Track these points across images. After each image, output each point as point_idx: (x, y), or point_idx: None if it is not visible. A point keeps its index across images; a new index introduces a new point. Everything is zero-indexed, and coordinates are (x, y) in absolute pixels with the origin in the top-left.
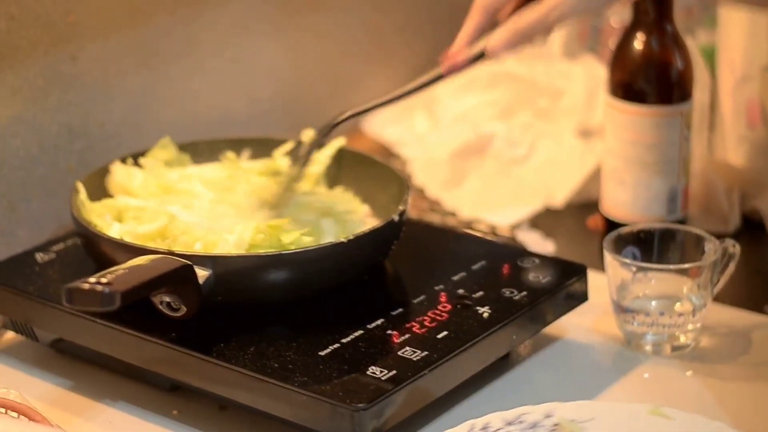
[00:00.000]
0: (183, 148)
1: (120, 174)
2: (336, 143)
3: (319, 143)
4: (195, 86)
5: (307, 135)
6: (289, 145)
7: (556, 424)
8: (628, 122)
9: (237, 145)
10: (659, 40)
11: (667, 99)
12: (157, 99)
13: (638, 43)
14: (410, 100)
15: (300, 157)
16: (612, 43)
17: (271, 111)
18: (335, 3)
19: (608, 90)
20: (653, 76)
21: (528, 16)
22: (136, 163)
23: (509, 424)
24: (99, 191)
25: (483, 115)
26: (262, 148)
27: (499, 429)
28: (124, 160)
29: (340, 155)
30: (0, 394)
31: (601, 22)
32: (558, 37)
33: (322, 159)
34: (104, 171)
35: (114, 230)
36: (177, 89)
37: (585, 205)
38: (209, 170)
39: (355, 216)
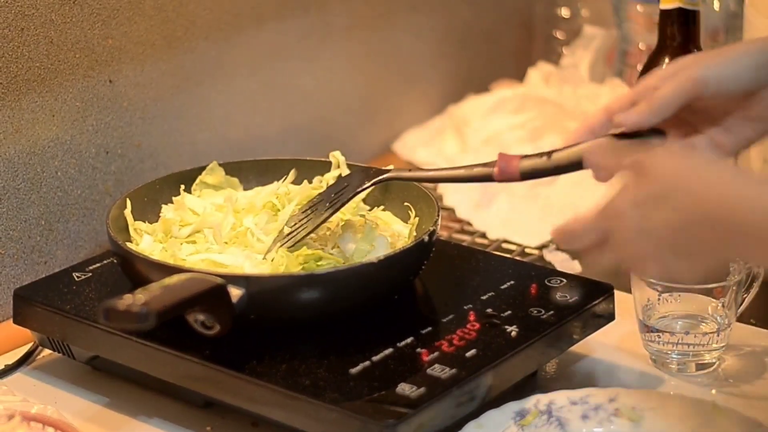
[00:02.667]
0: (231, 168)
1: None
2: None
3: (356, 192)
4: (229, 109)
5: (334, 156)
6: (334, 173)
7: (617, 409)
8: None
9: (282, 166)
10: None
11: None
12: (191, 121)
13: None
14: (440, 121)
15: (335, 200)
16: (639, 66)
17: (303, 134)
18: (367, 28)
19: None
20: None
21: (622, 249)
22: (186, 190)
23: (573, 403)
24: (141, 209)
25: (512, 138)
26: (308, 170)
27: (562, 406)
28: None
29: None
30: (38, 410)
31: (629, 46)
32: (585, 61)
33: (367, 184)
34: (147, 189)
35: (146, 242)
36: (211, 112)
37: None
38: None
39: (388, 235)
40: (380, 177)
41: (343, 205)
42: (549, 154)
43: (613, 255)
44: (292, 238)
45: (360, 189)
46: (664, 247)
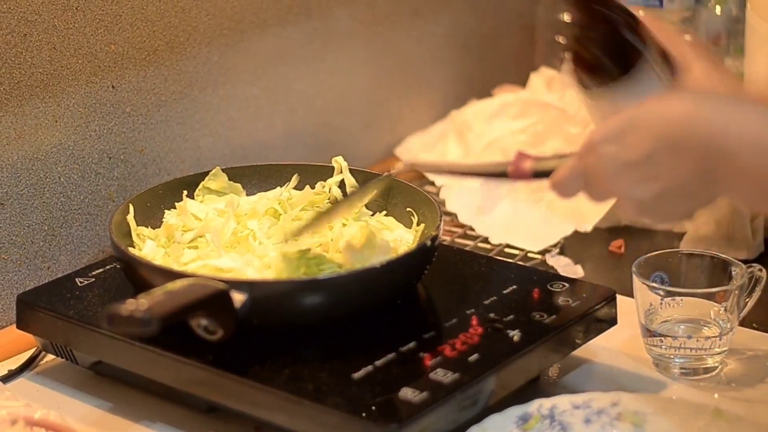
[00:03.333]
0: (233, 173)
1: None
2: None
3: (375, 185)
4: (232, 114)
5: (336, 161)
6: (336, 178)
7: (619, 413)
8: None
9: (284, 171)
10: None
11: None
12: (194, 127)
13: None
14: (442, 126)
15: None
16: None
17: (306, 139)
18: (369, 33)
19: None
20: None
21: (599, 186)
22: (189, 195)
23: (576, 407)
24: (143, 215)
25: (514, 142)
26: (310, 175)
27: (565, 411)
28: (170, 189)
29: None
30: (41, 415)
31: None
32: None
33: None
34: (149, 195)
35: (148, 247)
36: (214, 117)
37: (613, 230)
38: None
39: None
40: (393, 171)
41: (351, 197)
42: (563, 156)
43: (594, 193)
44: (296, 228)
45: (370, 182)
46: (639, 179)
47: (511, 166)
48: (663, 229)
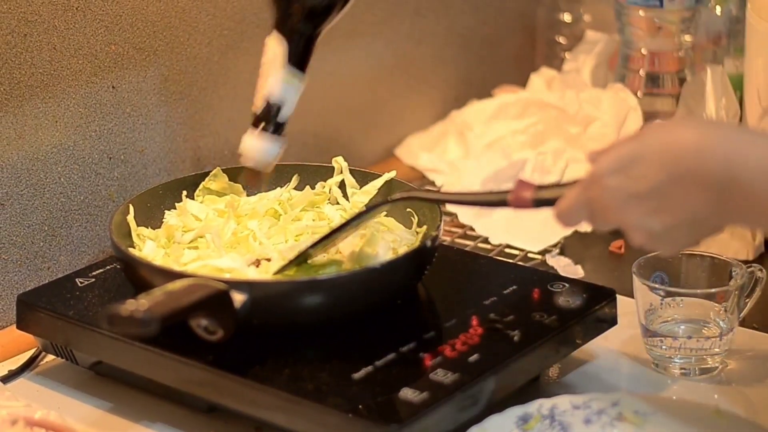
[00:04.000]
0: (233, 174)
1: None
2: (388, 175)
3: (376, 212)
4: (232, 115)
5: (336, 162)
6: (337, 179)
7: (619, 414)
8: None
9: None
10: None
11: None
12: (194, 127)
13: None
14: (442, 126)
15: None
16: (642, 71)
17: (306, 139)
18: (369, 33)
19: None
20: None
21: (604, 217)
22: (189, 196)
23: (576, 407)
24: (144, 215)
25: (514, 143)
26: (310, 175)
27: (565, 411)
28: (170, 190)
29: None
30: (41, 416)
31: (631, 50)
32: (588, 66)
33: (370, 189)
34: (150, 195)
35: (148, 247)
36: (214, 117)
37: (614, 230)
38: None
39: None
40: (395, 197)
41: (352, 219)
42: (564, 185)
43: (600, 224)
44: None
45: (372, 207)
46: (647, 211)
47: (511, 194)
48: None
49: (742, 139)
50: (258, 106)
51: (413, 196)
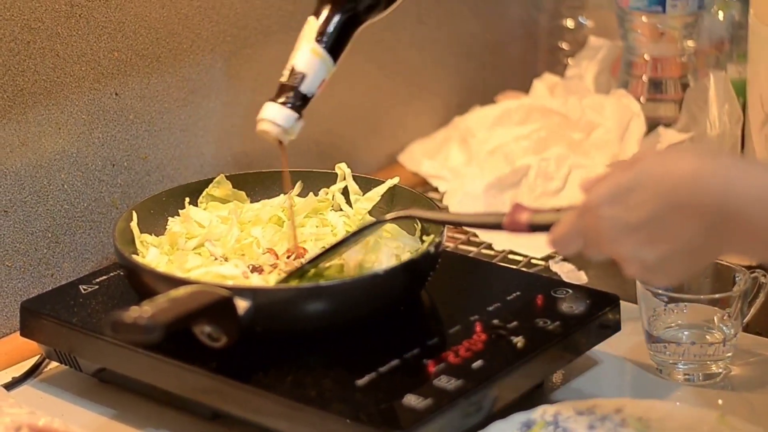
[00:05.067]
0: (237, 180)
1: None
2: (391, 182)
3: (372, 230)
4: (235, 121)
5: (340, 168)
6: (340, 185)
7: (623, 420)
8: None
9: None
10: None
11: None
12: (197, 134)
13: None
14: (445, 133)
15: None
16: (645, 77)
17: (309, 146)
18: (372, 40)
19: None
20: None
21: (599, 247)
22: (193, 202)
23: (580, 414)
24: (147, 222)
25: (517, 149)
26: (314, 182)
27: (569, 417)
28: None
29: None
30: (45, 423)
31: (634, 56)
32: (590, 72)
33: (373, 196)
34: (153, 202)
35: (152, 254)
36: (217, 124)
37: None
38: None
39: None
40: (390, 216)
41: (348, 237)
42: (561, 210)
43: (594, 253)
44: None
45: (367, 226)
46: (642, 241)
47: (507, 217)
48: None
49: (738, 169)
50: (284, 75)
51: (409, 216)
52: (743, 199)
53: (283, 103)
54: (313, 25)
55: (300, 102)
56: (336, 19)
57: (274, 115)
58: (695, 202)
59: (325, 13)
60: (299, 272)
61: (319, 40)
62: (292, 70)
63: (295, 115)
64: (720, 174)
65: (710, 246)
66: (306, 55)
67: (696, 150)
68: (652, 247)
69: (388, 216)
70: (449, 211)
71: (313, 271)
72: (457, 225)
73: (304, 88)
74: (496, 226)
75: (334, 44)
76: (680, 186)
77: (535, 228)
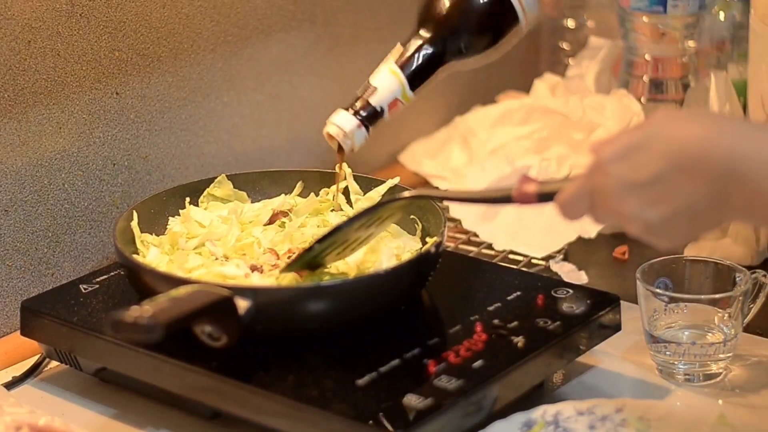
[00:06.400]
0: (237, 180)
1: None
2: (392, 181)
3: (382, 210)
4: (236, 121)
5: (341, 168)
6: (341, 184)
7: (624, 420)
8: None
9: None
10: None
11: None
12: (198, 133)
13: None
14: (446, 132)
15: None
16: (645, 77)
17: (310, 145)
18: (373, 39)
19: None
20: None
21: (605, 206)
22: (193, 202)
23: (580, 414)
24: (148, 221)
25: (518, 149)
26: (315, 181)
27: (569, 417)
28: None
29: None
30: (45, 422)
31: (635, 56)
32: (591, 72)
33: (374, 195)
34: (154, 201)
35: (152, 254)
36: (218, 124)
37: (617, 236)
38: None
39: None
40: (403, 195)
41: (359, 216)
42: (567, 179)
43: (600, 214)
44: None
45: (379, 204)
46: (647, 200)
47: (515, 190)
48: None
49: (748, 134)
50: (360, 88)
51: (420, 195)
52: (749, 164)
53: (354, 113)
54: (397, 48)
55: (367, 114)
56: (419, 49)
57: (340, 119)
58: (701, 163)
59: (412, 41)
60: (309, 253)
61: (398, 63)
62: (367, 83)
63: (359, 123)
64: (729, 138)
65: (714, 209)
66: (382, 72)
67: (706, 114)
68: (656, 207)
69: (401, 195)
70: (450, 207)
71: (317, 270)
72: (467, 201)
73: (374, 100)
74: (506, 200)
75: (414, 73)
76: (687, 148)
77: (543, 197)
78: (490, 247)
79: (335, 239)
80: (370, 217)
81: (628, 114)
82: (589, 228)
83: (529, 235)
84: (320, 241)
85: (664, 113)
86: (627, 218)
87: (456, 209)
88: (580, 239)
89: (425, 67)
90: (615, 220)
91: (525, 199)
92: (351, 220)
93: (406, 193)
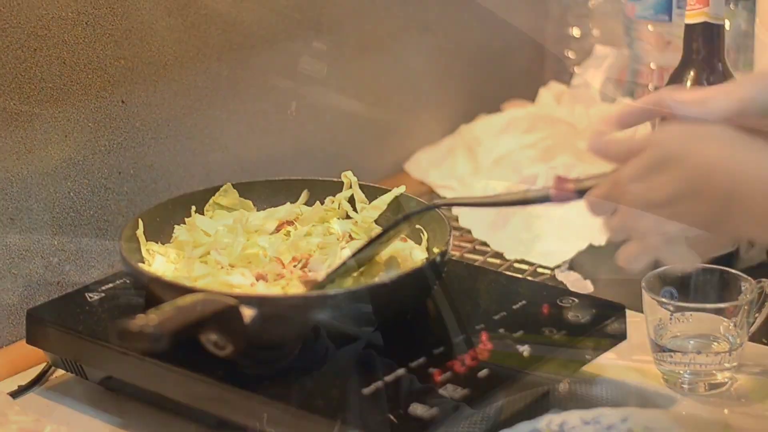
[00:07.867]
0: (243, 188)
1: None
2: (397, 190)
3: (396, 227)
4: (241, 129)
5: (346, 177)
6: (346, 194)
7: (629, 429)
8: None
9: (293, 186)
10: (710, 78)
11: None
12: (203, 141)
13: (690, 81)
14: (452, 141)
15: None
16: (651, 85)
17: (315, 154)
18: (378, 48)
19: None
20: None
21: (624, 218)
22: (199, 211)
23: (586, 423)
24: (153, 230)
25: (524, 157)
26: (320, 190)
27: (574, 427)
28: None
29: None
30: (50, 430)
31: (640, 65)
32: (597, 80)
33: (379, 204)
34: (159, 210)
35: (158, 263)
36: (223, 132)
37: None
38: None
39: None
40: (437, 203)
41: (382, 234)
42: (600, 177)
43: (620, 229)
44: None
45: (413, 212)
46: (662, 217)
47: (553, 189)
48: None
49: (751, 156)
50: None
51: (450, 203)
52: (750, 186)
53: None
54: None
55: None
56: None
57: None
58: (707, 189)
59: None
60: (342, 268)
61: None
62: None
63: None
64: (731, 163)
65: (721, 229)
66: None
67: (721, 131)
68: (672, 224)
69: (435, 202)
70: (459, 217)
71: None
72: (501, 205)
73: None
74: (544, 199)
75: None
76: (696, 173)
77: (581, 193)
78: (495, 255)
79: (368, 253)
80: (400, 225)
81: None
82: (598, 235)
83: (540, 244)
84: (354, 255)
85: (680, 130)
86: (648, 231)
87: (466, 219)
88: (588, 247)
89: None
90: (628, 235)
91: (565, 197)
92: (383, 233)
93: (438, 201)
